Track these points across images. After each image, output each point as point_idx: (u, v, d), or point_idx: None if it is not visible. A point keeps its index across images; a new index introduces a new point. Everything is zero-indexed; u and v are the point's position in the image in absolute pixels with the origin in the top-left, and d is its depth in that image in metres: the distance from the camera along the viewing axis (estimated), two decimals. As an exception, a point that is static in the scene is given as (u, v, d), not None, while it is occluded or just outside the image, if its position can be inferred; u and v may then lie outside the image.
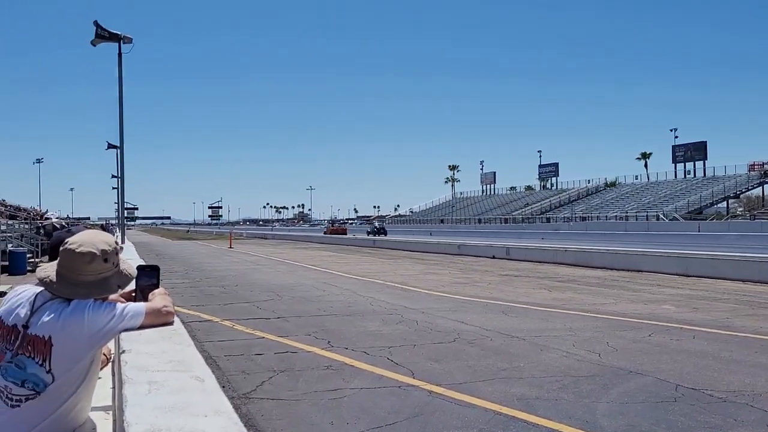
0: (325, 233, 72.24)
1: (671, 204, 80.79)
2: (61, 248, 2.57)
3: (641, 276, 19.50)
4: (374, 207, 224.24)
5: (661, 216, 73.99)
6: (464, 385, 7.00)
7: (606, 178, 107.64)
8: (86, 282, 2.49)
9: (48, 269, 2.56)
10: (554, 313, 12.39)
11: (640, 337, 9.74)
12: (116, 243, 2.73)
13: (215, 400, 1.76)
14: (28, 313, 2.45)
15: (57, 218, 35.72)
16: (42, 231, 29.33)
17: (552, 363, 8.06)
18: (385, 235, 63.08)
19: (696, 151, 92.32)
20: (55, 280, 2.50)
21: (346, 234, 69.37)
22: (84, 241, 2.55)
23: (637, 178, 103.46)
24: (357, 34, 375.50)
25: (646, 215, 77.03)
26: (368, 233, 67.03)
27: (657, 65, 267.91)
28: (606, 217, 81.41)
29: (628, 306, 13.24)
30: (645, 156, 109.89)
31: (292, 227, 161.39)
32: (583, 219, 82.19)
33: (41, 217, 43.88)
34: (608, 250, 24.49)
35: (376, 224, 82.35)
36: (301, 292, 16.38)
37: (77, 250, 2.51)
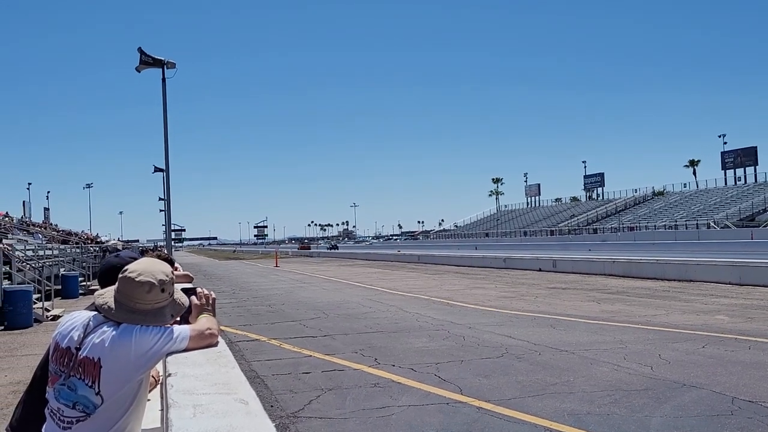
0: (299, 249, 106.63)
1: (722, 211, 78.93)
2: (120, 275, 2.60)
3: (693, 286, 19.07)
4: (418, 222, 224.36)
5: (712, 224, 72.32)
6: (513, 401, 6.91)
7: (653, 187, 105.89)
8: (142, 310, 2.53)
9: (106, 296, 2.60)
10: (604, 325, 12.19)
11: (694, 349, 9.51)
12: (173, 271, 2.76)
13: (259, 423, 1.76)
14: (81, 335, 2.50)
15: (115, 241, 36.61)
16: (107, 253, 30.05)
17: (603, 377, 7.92)
18: (337, 249, 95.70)
19: (746, 157, 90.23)
20: (113, 307, 2.54)
21: (309, 249, 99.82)
22: (143, 270, 2.58)
23: (685, 186, 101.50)
24: (398, 49, 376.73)
25: (696, 223, 75.30)
26: (327, 248, 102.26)
27: (703, 72, 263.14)
28: (654, 226, 79.97)
29: (680, 317, 12.95)
30: (693, 163, 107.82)
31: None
32: (631, 229, 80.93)
33: (92, 240, 44.97)
34: (658, 260, 23.98)
35: (332, 243, 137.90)
36: (347, 309, 16.41)
37: (137, 279, 2.54)
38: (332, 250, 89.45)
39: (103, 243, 45.59)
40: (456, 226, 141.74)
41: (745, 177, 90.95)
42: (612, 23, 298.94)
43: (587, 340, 10.53)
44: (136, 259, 2.91)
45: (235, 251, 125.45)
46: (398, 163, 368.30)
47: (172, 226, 23.67)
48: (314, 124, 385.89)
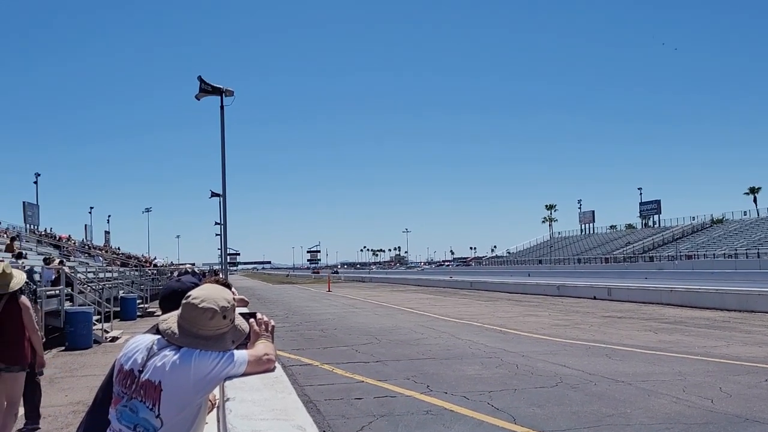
0: (312, 273, 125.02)
1: (785, 240, 76.45)
2: (183, 301, 2.67)
3: (755, 317, 18.51)
4: (470, 248, 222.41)
5: (775, 253, 70.08)
6: (568, 432, 6.80)
7: (712, 215, 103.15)
8: (205, 336, 2.58)
9: (169, 321, 2.67)
10: (661, 356, 11.92)
11: (756, 382, 9.23)
12: (234, 298, 2.82)
13: (317, 450, 1.79)
14: (144, 358, 2.56)
15: (181, 263, 37.44)
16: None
17: (661, 409, 7.74)
18: (338, 273, 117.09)
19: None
20: (177, 332, 2.60)
21: (319, 273, 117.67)
22: (206, 296, 2.64)
23: (746, 214, 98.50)
24: (452, 74, 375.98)
25: (758, 252, 72.93)
26: (332, 272, 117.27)
27: (763, 98, 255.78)
28: (714, 255, 77.76)
29: (741, 349, 12.58)
30: (754, 191, 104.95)
31: (389, 270, 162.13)
32: (689, 257, 78.88)
33: (149, 263, 45.99)
34: (718, 289, 23.35)
35: (336, 269, 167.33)
36: (399, 335, 16.38)
37: (200, 306, 2.60)
38: (334, 274, 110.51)
39: (159, 266, 46.62)
40: (508, 252, 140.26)
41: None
42: (669, 52, 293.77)
43: (644, 371, 10.31)
44: (196, 284, 2.98)
45: (288, 275, 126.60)
46: (450, 188, 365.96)
47: (228, 250, 23.98)
48: (367, 148, 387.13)
